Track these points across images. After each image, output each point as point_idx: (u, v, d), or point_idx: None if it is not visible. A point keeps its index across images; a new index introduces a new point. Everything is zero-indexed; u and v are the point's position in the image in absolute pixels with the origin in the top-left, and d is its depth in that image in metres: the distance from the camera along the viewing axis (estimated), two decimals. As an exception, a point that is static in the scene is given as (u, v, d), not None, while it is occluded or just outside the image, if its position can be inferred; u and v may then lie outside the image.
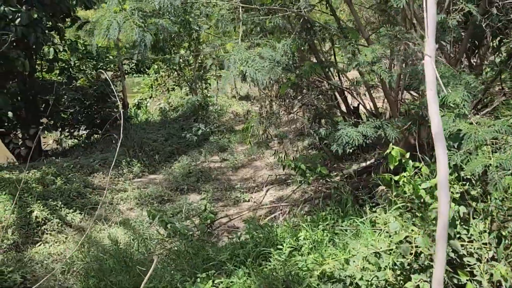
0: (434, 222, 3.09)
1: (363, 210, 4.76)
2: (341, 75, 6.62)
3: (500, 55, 6.76)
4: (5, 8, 7.46)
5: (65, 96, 10.36)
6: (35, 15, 7.98)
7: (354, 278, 3.12)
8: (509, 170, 2.78)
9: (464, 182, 3.11)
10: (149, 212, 6.07)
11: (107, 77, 11.32)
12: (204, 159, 9.56)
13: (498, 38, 5.93)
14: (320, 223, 4.74)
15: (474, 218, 3.00)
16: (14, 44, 7.77)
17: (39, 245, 6.08)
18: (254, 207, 6.84)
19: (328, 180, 5.83)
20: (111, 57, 11.18)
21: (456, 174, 3.17)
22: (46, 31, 8.88)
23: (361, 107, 6.97)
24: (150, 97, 14.37)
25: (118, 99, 11.52)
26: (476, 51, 6.17)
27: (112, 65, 11.75)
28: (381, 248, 3.08)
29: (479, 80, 4.12)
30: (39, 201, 6.66)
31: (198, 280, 4.01)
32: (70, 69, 10.75)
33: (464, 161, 2.97)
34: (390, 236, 3.18)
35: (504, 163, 2.69)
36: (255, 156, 9.41)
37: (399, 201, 3.28)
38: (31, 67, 8.82)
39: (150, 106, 14.31)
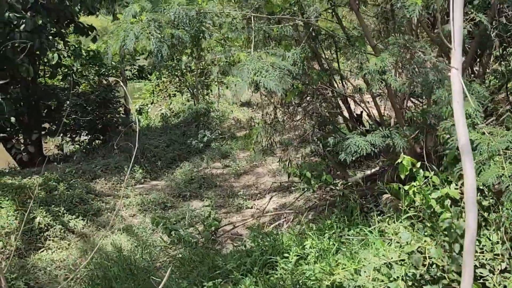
0: (445, 232, 3.07)
1: (369, 218, 4.74)
2: (344, 82, 6.63)
3: (503, 63, 6.79)
4: (10, 14, 7.47)
5: (67, 102, 10.35)
6: (40, 21, 7.99)
7: (365, 288, 3.10)
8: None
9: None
10: (152, 219, 6.05)
11: (111, 82, 11.33)
12: (206, 165, 9.55)
13: (502, 47, 5.96)
14: (326, 231, 4.72)
15: (487, 229, 2.99)
16: (19, 49, 7.76)
17: (42, 252, 6.04)
18: (258, 215, 6.82)
19: (333, 187, 5.81)
20: (113, 62, 11.19)
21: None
22: (50, 37, 8.89)
23: (364, 114, 6.98)
24: (152, 103, 14.38)
25: (123, 104, 11.52)
26: (478, 59, 6.19)
27: (114, 71, 11.75)
28: (392, 258, 3.06)
29: (483, 88, 4.13)
30: (41, 207, 6.63)
31: (205, 288, 3.99)
32: (73, 74, 10.75)
33: (476, 171, 2.96)
34: (401, 246, 3.16)
35: (518, 174, 2.69)
36: (257, 163, 9.40)
37: (410, 211, 3.27)
38: (34, 73, 8.81)
39: (151, 112, 14.31)
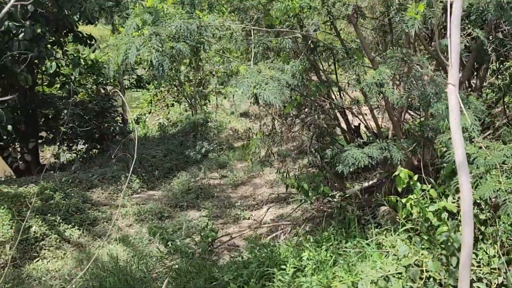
0: (442, 246, 3.08)
1: (366, 230, 4.74)
2: (342, 94, 6.67)
3: (500, 77, 6.85)
4: (9, 23, 7.49)
5: (65, 111, 10.35)
6: (39, 30, 8.02)
7: (362, 301, 3.09)
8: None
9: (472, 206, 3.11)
10: (149, 229, 6.02)
11: (109, 91, 11.34)
12: (204, 175, 9.54)
13: (499, 61, 6.02)
14: (323, 243, 4.71)
15: (484, 243, 3.00)
16: (17, 58, 7.78)
17: (37, 261, 5.99)
18: (255, 226, 6.80)
19: (331, 199, 5.82)
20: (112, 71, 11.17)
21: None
22: (49, 46, 8.91)
23: (362, 126, 7.01)
24: (149, 112, 14.40)
25: (120, 113, 11.53)
26: (475, 73, 6.25)
27: (112, 80, 11.77)
28: (389, 271, 3.06)
29: (480, 102, 4.16)
30: (37, 216, 6.60)
31: (202, 300, 3.97)
32: (71, 83, 10.76)
33: (473, 185, 2.98)
34: (398, 259, 3.16)
35: (515, 188, 2.70)
36: (255, 174, 9.40)
37: (408, 224, 3.27)
38: (32, 81, 8.82)
39: (148, 121, 14.33)
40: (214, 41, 4.21)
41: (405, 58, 3.91)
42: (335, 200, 5.80)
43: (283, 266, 4.33)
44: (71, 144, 10.90)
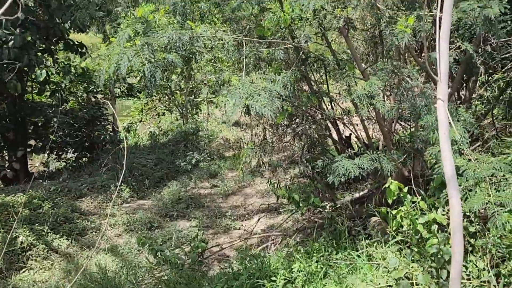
0: (432, 258, 3.08)
1: (357, 242, 4.73)
2: (333, 105, 6.69)
3: (489, 89, 6.92)
4: (-1, 31, 7.46)
5: (55, 119, 10.27)
6: (29, 38, 7.97)
7: (352, 314, 3.07)
8: (508, 208, 2.79)
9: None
10: (138, 239, 5.96)
11: (100, 100, 11.29)
12: (194, 185, 9.50)
13: (487, 73, 6.08)
14: (314, 254, 4.69)
15: (473, 255, 3.00)
16: (5, 66, 7.71)
17: (24, 272, 5.90)
18: (245, 236, 6.76)
19: (322, 210, 5.81)
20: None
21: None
22: (39, 54, 8.86)
23: (353, 136, 7.03)
24: (140, 121, 14.34)
25: (111, 122, 11.46)
26: (465, 84, 6.30)
27: (103, 89, 11.72)
28: (380, 284, 3.05)
29: (470, 114, 4.20)
30: (25, 226, 6.50)
31: (191, 312, 3.92)
32: (61, 91, 10.70)
33: (463, 197, 2.99)
34: (388, 272, 3.15)
35: (504, 201, 2.71)
36: (246, 183, 9.37)
37: (398, 236, 3.27)
38: (22, 89, 8.75)
39: (139, 130, 14.26)
40: (205, 51, 4.22)
41: (395, 70, 3.94)
42: (325, 211, 5.79)
43: (274, 278, 4.30)
44: (60, 153, 10.81)
